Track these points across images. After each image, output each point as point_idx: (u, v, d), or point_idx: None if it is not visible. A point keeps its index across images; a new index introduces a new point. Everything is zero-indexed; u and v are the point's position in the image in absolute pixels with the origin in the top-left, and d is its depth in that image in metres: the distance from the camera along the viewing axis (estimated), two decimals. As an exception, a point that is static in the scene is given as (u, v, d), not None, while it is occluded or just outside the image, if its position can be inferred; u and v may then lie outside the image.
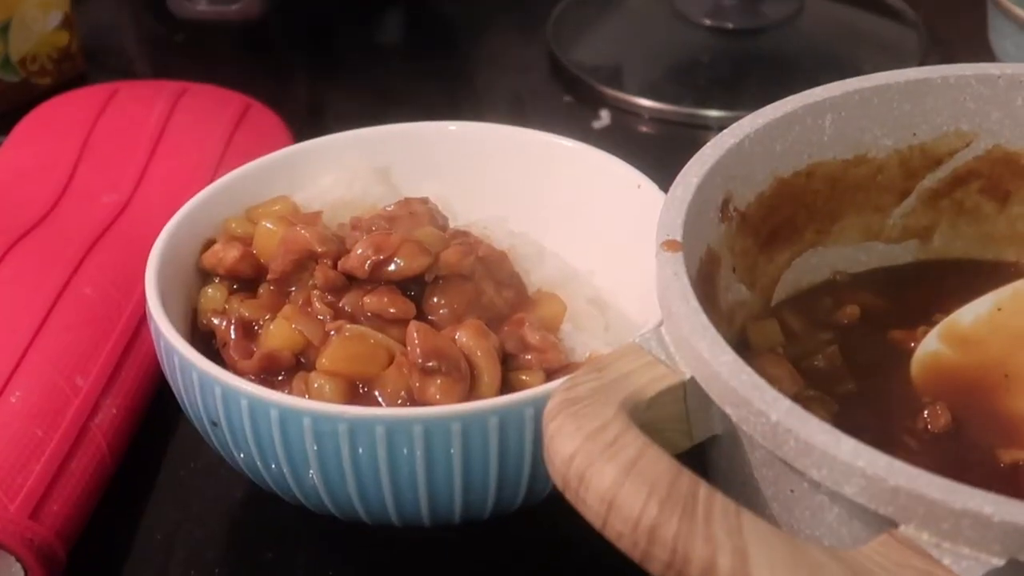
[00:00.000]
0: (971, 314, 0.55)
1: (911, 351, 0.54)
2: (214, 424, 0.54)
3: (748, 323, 0.56)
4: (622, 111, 0.89)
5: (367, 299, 0.57)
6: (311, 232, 0.58)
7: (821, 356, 0.55)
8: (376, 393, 0.55)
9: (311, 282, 0.58)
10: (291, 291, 0.59)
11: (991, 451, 0.49)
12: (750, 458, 0.46)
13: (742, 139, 0.54)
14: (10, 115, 0.82)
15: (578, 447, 0.42)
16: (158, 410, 0.64)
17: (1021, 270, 0.60)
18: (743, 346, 0.55)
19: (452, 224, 0.64)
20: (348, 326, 0.56)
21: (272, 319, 0.57)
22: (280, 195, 0.64)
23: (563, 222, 0.66)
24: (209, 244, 0.62)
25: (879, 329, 0.56)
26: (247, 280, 0.60)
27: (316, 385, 0.55)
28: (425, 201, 0.63)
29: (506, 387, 0.56)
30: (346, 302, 0.57)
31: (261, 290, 0.59)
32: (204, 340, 0.59)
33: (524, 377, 0.56)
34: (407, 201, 0.63)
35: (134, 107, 0.80)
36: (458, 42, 1.01)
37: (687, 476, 0.41)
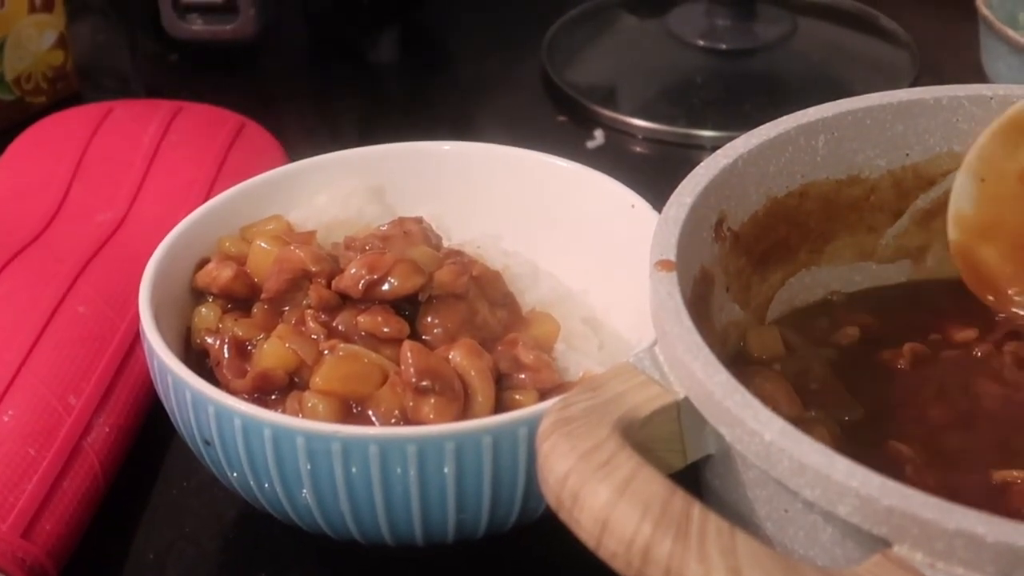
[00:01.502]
0: (963, 201, 0.55)
1: (905, 371, 0.55)
2: (207, 443, 0.54)
3: (748, 330, 0.56)
4: (616, 131, 0.89)
5: (361, 318, 0.57)
6: (305, 251, 0.58)
7: (816, 378, 0.55)
8: (370, 412, 0.55)
9: (305, 301, 0.58)
10: (285, 310, 0.59)
11: (986, 471, 0.49)
12: (744, 478, 0.46)
13: (736, 159, 0.54)
14: (5, 134, 0.82)
15: (572, 467, 0.42)
16: (151, 429, 0.64)
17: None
18: (741, 360, 0.55)
19: (446, 243, 0.64)
20: (342, 345, 0.56)
21: (266, 338, 0.57)
22: (274, 214, 0.64)
23: (557, 242, 0.66)
24: (203, 263, 0.62)
25: (876, 349, 0.56)
26: (241, 299, 0.60)
27: (310, 404, 0.54)
28: (419, 221, 0.63)
29: (500, 407, 0.56)
30: (340, 321, 0.57)
31: (255, 309, 0.59)
32: (198, 359, 0.59)
33: (518, 397, 0.56)
34: (401, 220, 0.63)
35: (129, 126, 0.80)
36: (452, 62, 1.01)
37: (681, 496, 0.41)
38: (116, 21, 1.05)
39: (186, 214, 0.63)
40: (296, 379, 0.56)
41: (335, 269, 0.58)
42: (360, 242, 0.61)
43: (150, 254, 0.60)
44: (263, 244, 0.61)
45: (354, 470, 0.51)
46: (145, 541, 0.60)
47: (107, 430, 0.61)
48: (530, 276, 0.62)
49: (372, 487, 0.51)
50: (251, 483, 0.54)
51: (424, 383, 0.54)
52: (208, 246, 0.63)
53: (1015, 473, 0.49)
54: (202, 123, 0.81)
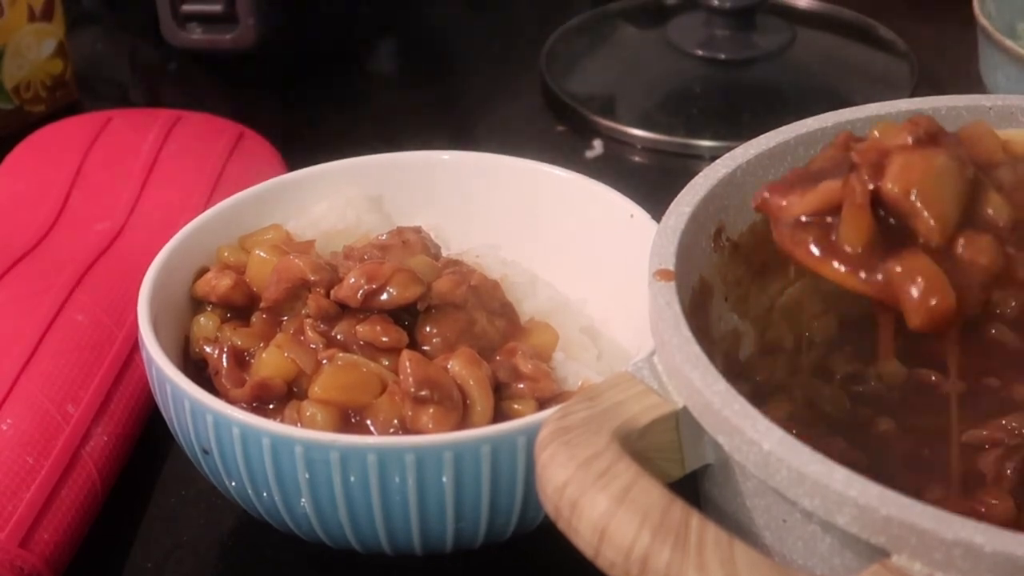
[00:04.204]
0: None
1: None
2: (205, 452, 0.54)
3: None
4: (615, 141, 0.89)
5: (360, 328, 0.57)
6: (304, 261, 0.59)
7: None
8: (368, 422, 0.55)
9: (304, 311, 0.58)
10: (283, 320, 0.59)
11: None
12: (742, 487, 0.46)
13: (734, 169, 0.54)
14: (4, 142, 0.82)
15: (570, 476, 0.42)
16: (149, 438, 0.64)
17: None
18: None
19: (445, 253, 0.64)
20: (340, 355, 0.56)
21: (264, 347, 0.57)
22: (273, 224, 0.64)
23: (556, 251, 0.66)
24: (202, 272, 0.62)
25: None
26: (240, 308, 0.60)
27: (308, 413, 0.54)
28: (418, 230, 0.63)
29: (498, 416, 0.56)
30: (339, 331, 0.57)
31: (254, 318, 0.59)
32: (196, 368, 0.59)
33: (516, 406, 0.56)
34: (400, 230, 0.63)
35: (128, 135, 0.80)
36: (451, 71, 1.02)
37: (679, 505, 0.41)
38: (115, 30, 1.05)
39: (185, 223, 0.63)
40: (295, 388, 0.56)
41: (334, 278, 0.58)
42: (359, 251, 0.61)
43: (149, 263, 0.60)
44: (262, 253, 0.61)
45: (352, 479, 0.51)
46: (143, 550, 0.60)
47: (105, 439, 0.61)
48: (529, 285, 0.62)
49: (370, 496, 0.51)
50: (249, 492, 0.54)
51: (423, 392, 0.54)
52: (207, 255, 0.63)
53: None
54: (201, 132, 0.81)
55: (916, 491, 0.49)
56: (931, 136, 0.47)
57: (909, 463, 0.52)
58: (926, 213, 0.46)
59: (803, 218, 0.47)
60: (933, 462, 0.52)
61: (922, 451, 0.52)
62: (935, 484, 0.50)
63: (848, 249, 0.46)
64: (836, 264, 0.46)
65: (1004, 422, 0.52)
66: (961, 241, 0.46)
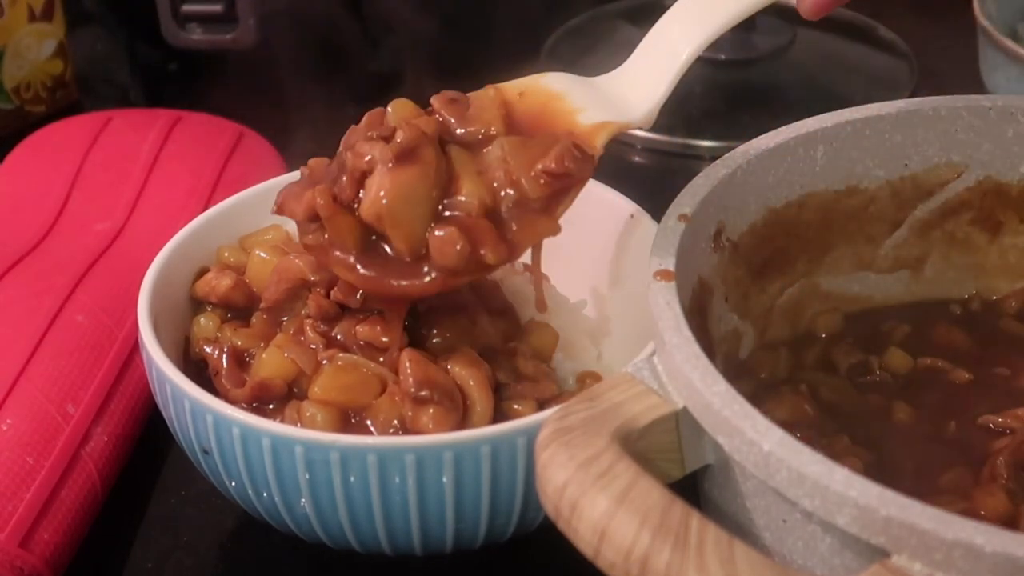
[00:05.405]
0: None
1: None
2: (205, 452, 0.54)
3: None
4: (615, 141, 0.89)
5: (360, 328, 0.57)
6: (304, 261, 0.58)
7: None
8: (368, 422, 0.55)
9: (304, 311, 0.58)
10: (284, 320, 0.59)
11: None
12: (742, 488, 0.46)
13: (734, 169, 0.55)
14: (4, 143, 0.82)
15: (570, 476, 0.42)
16: (149, 438, 0.64)
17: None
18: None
19: (445, 253, 0.64)
20: (340, 355, 0.56)
21: (264, 348, 0.57)
22: (273, 224, 0.64)
23: (556, 251, 0.66)
24: (202, 272, 0.62)
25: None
26: (240, 309, 0.60)
27: (308, 414, 0.54)
28: (418, 230, 0.63)
29: (498, 416, 0.55)
30: (339, 331, 0.57)
31: (254, 319, 0.59)
32: (196, 369, 0.59)
33: (516, 406, 0.56)
34: (400, 230, 0.63)
35: (128, 135, 0.80)
36: (452, 71, 1.01)
37: (679, 506, 0.41)
38: (116, 30, 1.05)
39: (185, 223, 0.63)
40: (295, 389, 0.56)
41: (334, 279, 0.58)
42: (359, 251, 0.61)
43: (149, 263, 0.60)
44: (262, 254, 0.61)
45: (352, 480, 0.51)
46: (143, 550, 0.60)
47: (105, 439, 0.61)
48: (529, 286, 0.62)
49: (370, 497, 0.51)
50: (249, 492, 0.54)
51: (423, 393, 0.54)
52: (207, 255, 0.63)
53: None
54: (201, 133, 0.81)
55: (936, 473, 0.49)
56: (410, 150, 0.52)
57: (928, 445, 0.52)
58: (395, 237, 0.51)
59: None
60: (955, 441, 0.52)
61: (945, 427, 0.53)
62: (959, 465, 0.50)
63: (340, 253, 0.52)
64: (339, 262, 0.52)
65: (1021, 412, 0.52)
66: (435, 234, 0.51)
